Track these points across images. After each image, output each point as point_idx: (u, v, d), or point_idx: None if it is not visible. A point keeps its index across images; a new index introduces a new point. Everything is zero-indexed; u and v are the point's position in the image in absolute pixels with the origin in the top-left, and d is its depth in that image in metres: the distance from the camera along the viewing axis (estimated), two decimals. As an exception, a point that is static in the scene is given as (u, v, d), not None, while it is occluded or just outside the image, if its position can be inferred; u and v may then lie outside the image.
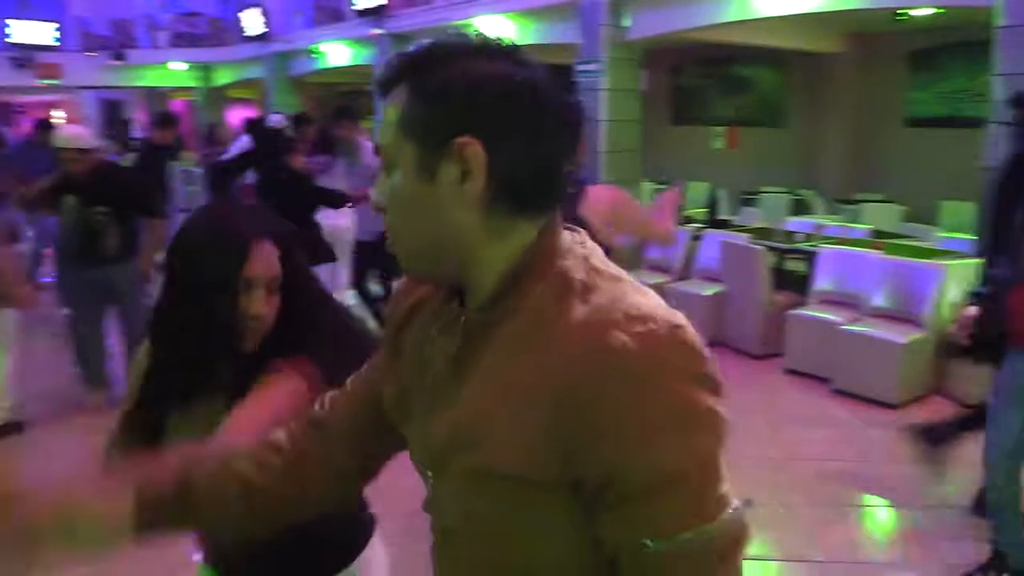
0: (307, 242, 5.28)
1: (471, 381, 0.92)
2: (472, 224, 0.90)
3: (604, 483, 0.83)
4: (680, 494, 0.83)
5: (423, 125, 0.89)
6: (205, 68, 19.44)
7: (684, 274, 7.03)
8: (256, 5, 16.10)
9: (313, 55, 15.05)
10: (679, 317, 0.86)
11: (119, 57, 18.06)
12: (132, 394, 1.54)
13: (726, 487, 0.85)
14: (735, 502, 0.86)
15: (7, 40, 17.15)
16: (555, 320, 0.86)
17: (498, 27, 10.99)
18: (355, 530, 1.64)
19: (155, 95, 21.69)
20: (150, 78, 19.72)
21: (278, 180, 5.60)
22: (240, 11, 16.73)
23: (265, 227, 1.46)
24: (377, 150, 1.09)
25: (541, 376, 0.84)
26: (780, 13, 7.90)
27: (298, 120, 7.45)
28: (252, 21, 16.23)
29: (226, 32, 18.19)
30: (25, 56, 17.06)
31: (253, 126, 7.54)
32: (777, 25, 8.45)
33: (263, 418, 1.27)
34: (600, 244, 0.98)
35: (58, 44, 17.61)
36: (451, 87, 0.88)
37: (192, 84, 19.95)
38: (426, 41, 0.92)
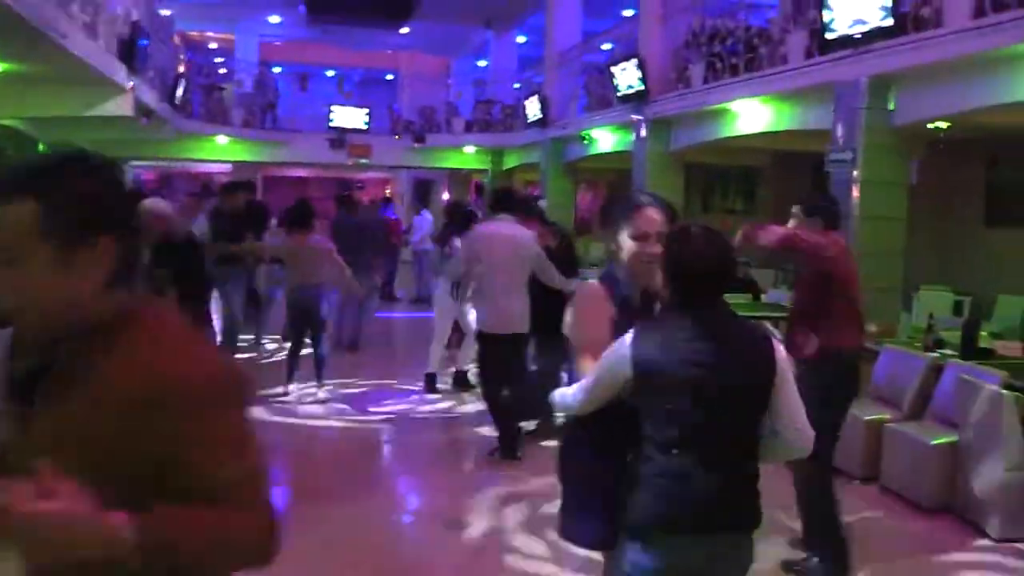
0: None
1: None
2: None
3: None
4: None
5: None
6: (495, 152, 20.33)
7: (914, 413, 5.54)
8: (536, 92, 16.58)
9: (584, 141, 15.00)
10: None
11: (419, 140, 19.50)
12: None
13: None
14: None
15: (329, 125, 19.32)
16: None
17: (754, 111, 10.02)
18: None
19: (457, 176, 23.16)
20: (449, 160, 21.06)
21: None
22: (527, 98, 17.32)
23: None
24: None
25: None
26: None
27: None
28: (533, 107, 16.68)
29: (515, 119, 18.90)
30: (339, 137, 19.07)
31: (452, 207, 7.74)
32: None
33: None
34: None
35: (367, 128, 19.48)
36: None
37: (484, 167, 20.97)
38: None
